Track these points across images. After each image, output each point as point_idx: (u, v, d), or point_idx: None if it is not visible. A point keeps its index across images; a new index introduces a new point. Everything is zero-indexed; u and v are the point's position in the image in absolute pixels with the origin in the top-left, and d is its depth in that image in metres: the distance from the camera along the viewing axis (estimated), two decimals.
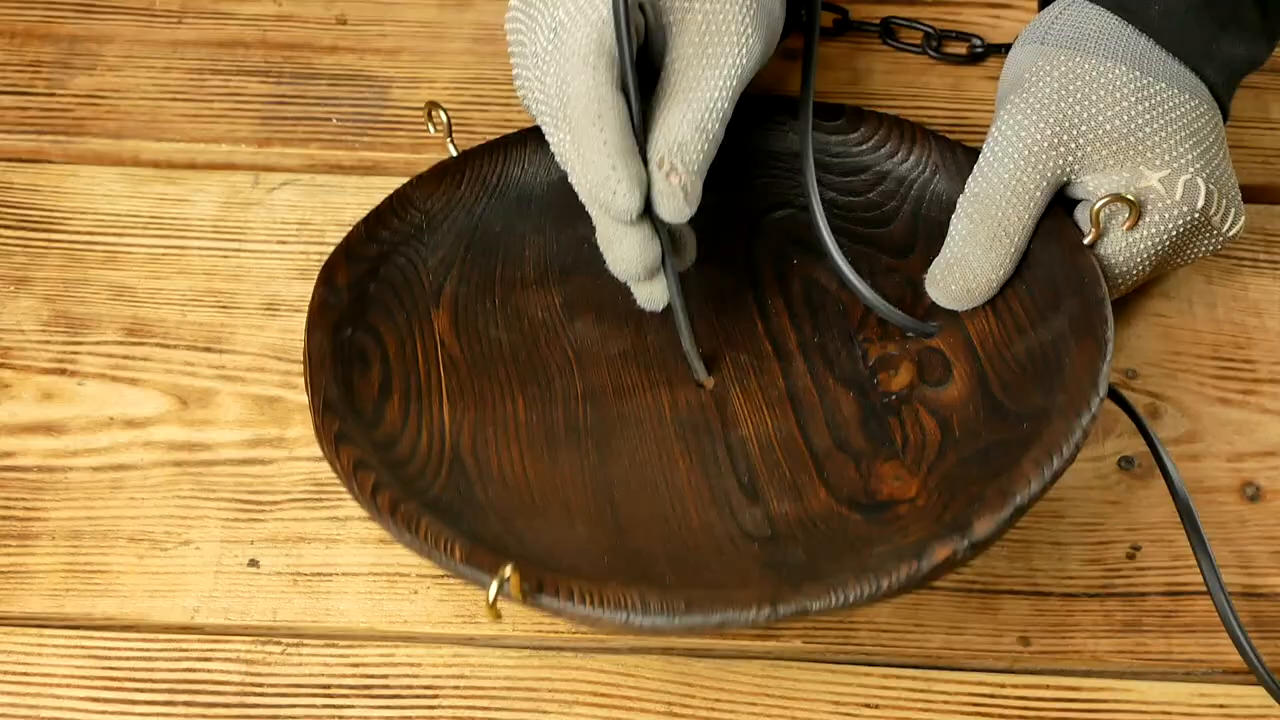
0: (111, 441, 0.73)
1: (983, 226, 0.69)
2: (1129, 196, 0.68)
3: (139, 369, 0.75)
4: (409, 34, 0.86)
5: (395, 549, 0.71)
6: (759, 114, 0.76)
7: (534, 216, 0.75)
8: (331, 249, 0.72)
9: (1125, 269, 0.70)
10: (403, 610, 0.69)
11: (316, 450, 0.73)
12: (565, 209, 0.73)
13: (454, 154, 0.75)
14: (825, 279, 0.73)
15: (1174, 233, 0.69)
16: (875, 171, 0.76)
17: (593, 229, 0.68)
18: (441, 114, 0.74)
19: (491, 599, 0.59)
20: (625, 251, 0.66)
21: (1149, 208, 0.68)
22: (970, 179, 0.70)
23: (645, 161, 0.65)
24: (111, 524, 0.71)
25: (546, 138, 0.68)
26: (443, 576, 0.70)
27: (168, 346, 0.76)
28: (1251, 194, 0.80)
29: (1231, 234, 0.70)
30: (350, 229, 0.73)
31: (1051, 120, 0.68)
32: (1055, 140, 0.68)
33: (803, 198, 0.73)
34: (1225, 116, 0.72)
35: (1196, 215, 0.69)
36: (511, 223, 0.74)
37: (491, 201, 0.74)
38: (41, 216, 0.79)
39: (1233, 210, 0.70)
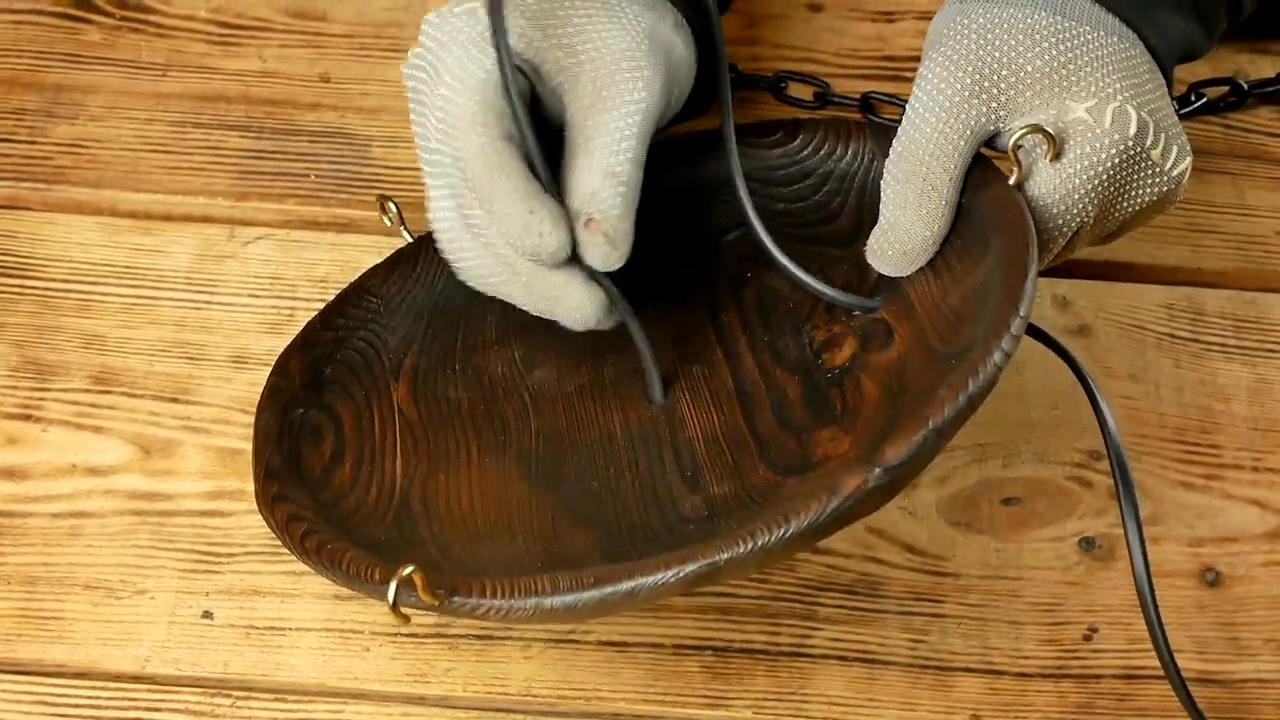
0: (73, 489, 0.73)
1: (909, 185, 0.67)
2: (1046, 128, 0.65)
3: (104, 417, 0.75)
4: (391, 94, 0.86)
5: (349, 605, 0.70)
6: (707, 144, 0.76)
7: None
8: (302, 304, 0.73)
9: (1063, 209, 0.67)
10: (354, 667, 0.69)
11: None
12: None
13: (409, 239, 0.75)
14: (778, 283, 0.73)
15: (1108, 164, 0.66)
16: (819, 174, 0.75)
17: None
18: (392, 205, 0.73)
19: (390, 599, 0.59)
20: (574, 302, 0.66)
21: (1077, 139, 0.66)
22: (895, 139, 0.68)
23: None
24: (68, 571, 0.71)
25: (446, 212, 0.68)
26: (395, 634, 0.70)
27: (134, 396, 0.76)
28: (1224, 280, 0.80)
29: (1176, 173, 0.68)
30: (310, 318, 0.74)
31: (971, 69, 0.67)
32: (976, 88, 0.67)
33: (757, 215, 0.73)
34: (1169, 86, 0.70)
35: (1130, 144, 0.66)
36: (472, 294, 0.71)
37: (451, 277, 0.71)
38: (16, 263, 0.80)
39: (1175, 147, 0.68)
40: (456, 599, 0.60)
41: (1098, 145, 0.65)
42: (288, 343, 0.73)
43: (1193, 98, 0.85)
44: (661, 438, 0.69)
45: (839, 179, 0.75)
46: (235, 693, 0.68)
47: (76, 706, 0.68)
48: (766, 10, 0.91)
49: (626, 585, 0.59)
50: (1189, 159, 0.68)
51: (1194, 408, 0.76)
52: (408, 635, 0.70)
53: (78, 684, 0.68)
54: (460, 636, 0.70)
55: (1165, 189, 0.68)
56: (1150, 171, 0.67)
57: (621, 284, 0.68)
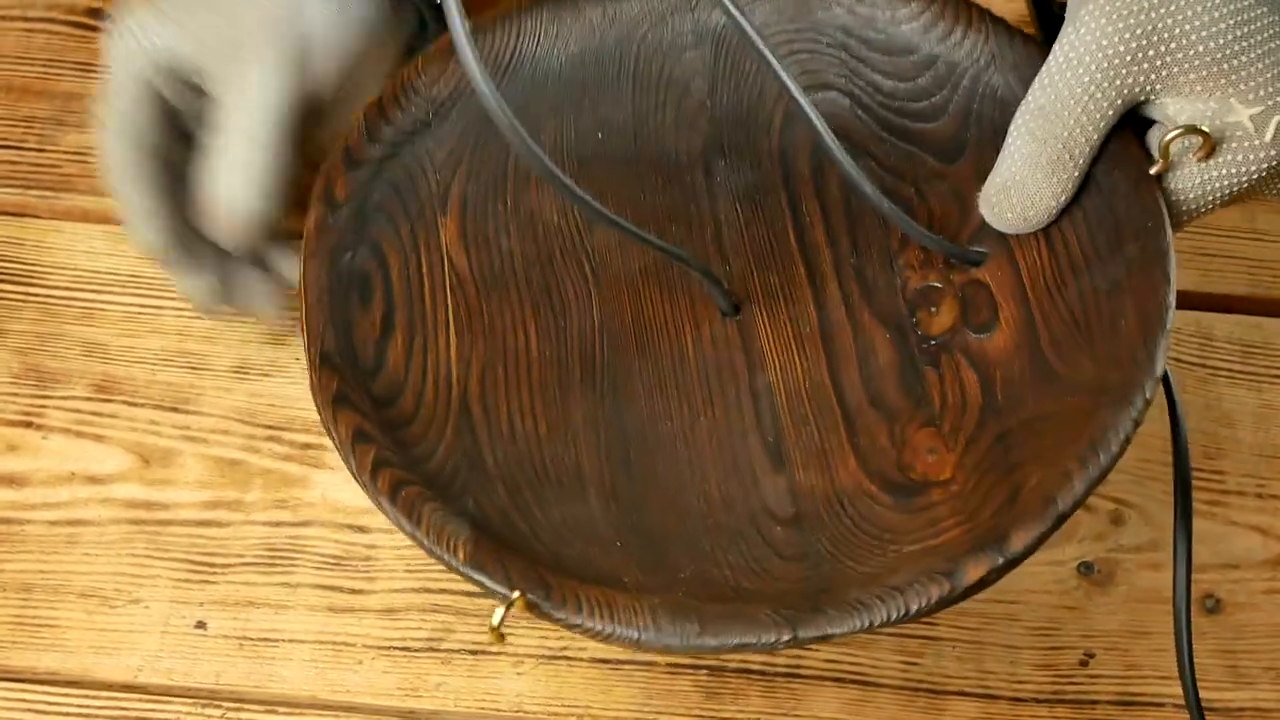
0: (71, 496, 0.73)
1: (1046, 147, 0.61)
2: (1204, 129, 0.60)
3: (105, 425, 0.75)
4: None
5: (343, 617, 0.70)
6: None
7: (550, 97, 0.68)
8: (304, 312, 0.71)
9: (1194, 205, 0.63)
10: (346, 680, 0.69)
11: (273, 515, 0.73)
12: (585, 87, 0.68)
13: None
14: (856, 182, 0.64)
15: (1255, 175, 0.62)
16: (925, 54, 0.67)
17: (613, 112, 0.66)
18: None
19: (496, 623, 0.55)
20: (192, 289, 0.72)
21: (1233, 145, 0.61)
22: (1034, 88, 0.61)
23: None
24: (63, 579, 0.71)
25: None
26: (388, 648, 0.70)
27: (135, 405, 0.76)
28: (1232, 304, 0.80)
29: None
30: (349, 128, 0.67)
31: (1138, 29, 0.60)
32: (1139, 53, 0.60)
33: (847, 79, 0.67)
34: None
35: None
36: (526, 105, 0.66)
37: (504, 82, 0.66)
38: (21, 270, 0.80)
39: None
40: (551, 608, 0.55)
41: (1253, 158, 0.62)
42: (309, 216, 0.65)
43: None
44: (738, 372, 0.63)
45: (948, 67, 0.67)
46: (226, 704, 0.68)
47: (67, 715, 0.68)
48: None
49: (735, 641, 0.55)
50: None
51: (1199, 433, 0.76)
52: (400, 649, 0.70)
53: (69, 692, 0.68)
54: (453, 651, 0.70)
55: None
56: None
57: (675, 151, 0.66)
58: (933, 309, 0.63)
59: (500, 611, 0.55)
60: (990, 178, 0.63)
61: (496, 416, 0.62)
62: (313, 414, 0.73)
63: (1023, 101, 0.61)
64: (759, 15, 0.68)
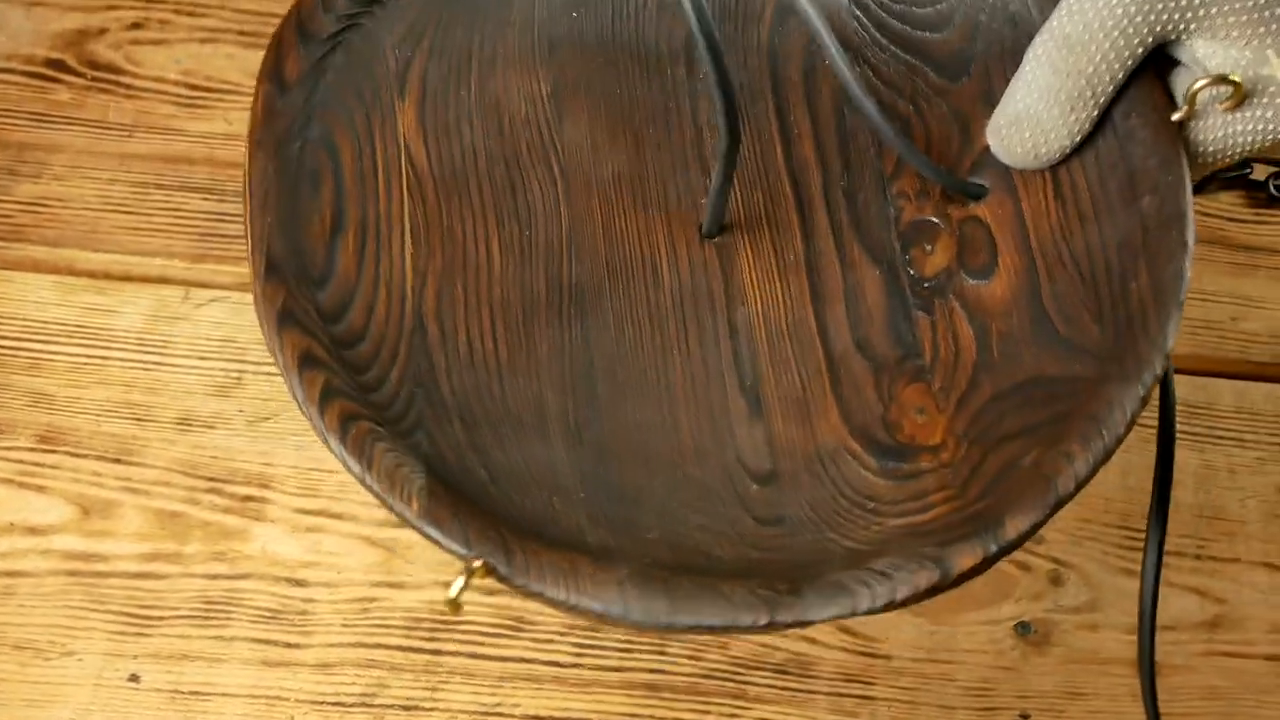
0: (10, 548, 0.73)
1: (1068, 80, 0.57)
2: (1236, 79, 0.56)
3: (47, 476, 0.75)
4: None
5: (276, 671, 0.70)
6: None
7: None
8: (250, 367, 0.68)
9: (1214, 156, 0.59)
10: None
11: (211, 567, 0.73)
12: None
13: None
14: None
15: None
16: None
17: None
18: None
19: (454, 595, 0.50)
20: None
21: (1264, 100, 0.57)
22: (1060, 12, 0.57)
23: None
24: None
25: None
26: (322, 702, 0.70)
27: (78, 455, 0.76)
28: (1177, 364, 0.80)
29: None
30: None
31: None
32: None
33: None
34: None
35: None
36: None
37: None
38: None
39: None
40: (513, 575, 0.50)
41: None
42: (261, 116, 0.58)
43: None
44: (716, 303, 0.58)
45: None
46: None
47: None
48: None
49: (707, 622, 0.50)
50: None
51: (1139, 493, 0.76)
52: (334, 704, 0.70)
53: None
54: (387, 707, 0.70)
55: None
56: None
57: (656, 40, 0.60)
58: (927, 246, 0.59)
59: (460, 582, 0.50)
60: (1001, 106, 0.58)
61: (454, 338, 0.57)
62: (255, 466, 0.74)
63: (1044, 26, 0.57)
64: None
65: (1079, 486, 0.51)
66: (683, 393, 0.56)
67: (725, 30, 0.63)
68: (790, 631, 0.71)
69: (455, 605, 0.50)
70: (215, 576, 0.73)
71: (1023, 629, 0.72)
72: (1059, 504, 0.51)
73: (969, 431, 0.55)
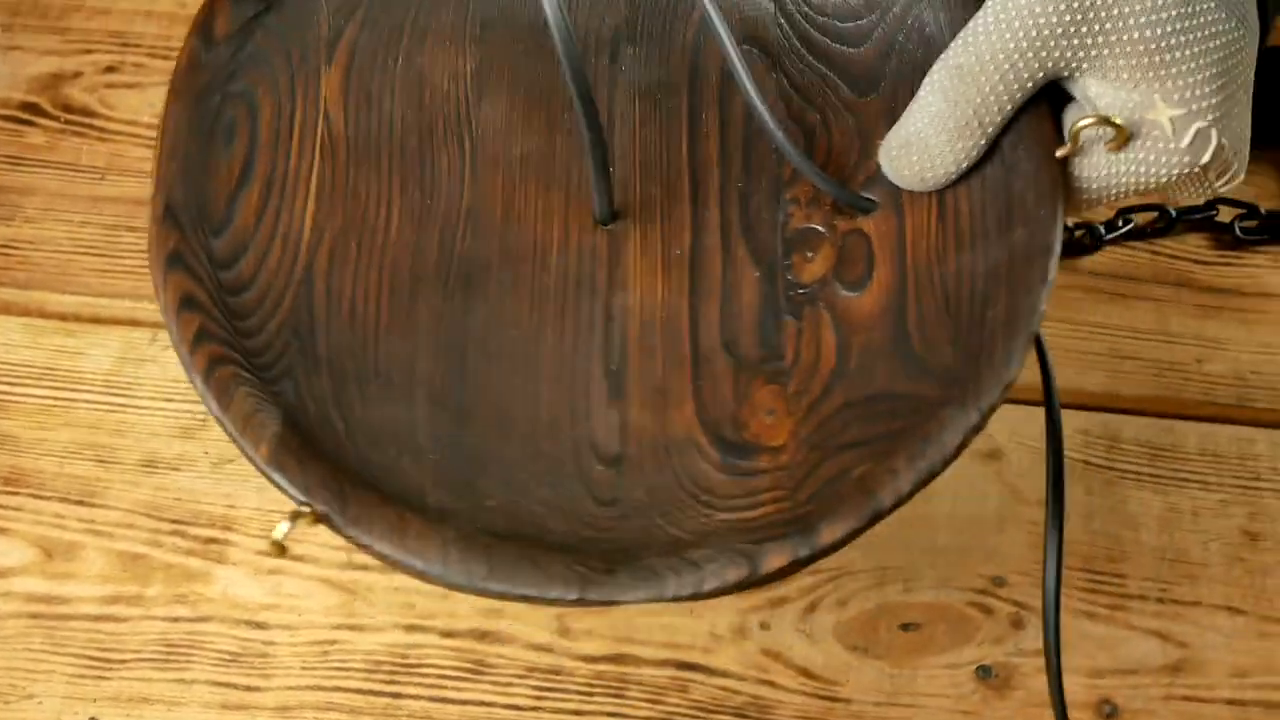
0: None
1: (956, 109, 0.58)
2: (1118, 121, 0.58)
3: (10, 519, 0.76)
4: None
5: (237, 715, 0.70)
6: None
7: None
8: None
9: (1097, 194, 0.60)
10: None
11: (173, 610, 0.73)
12: None
13: None
14: (771, 103, 0.63)
15: (1164, 178, 0.60)
16: None
17: None
18: None
19: (279, 537, 0.52)
20: None
21: (1146, 144, 0.59)
22: (956, 44, 0.58)
23: None
24: None
25: None
26: None
27: (41, 498, 0.76)
28: (1142, 406, 0.80)
29: (1222, 189, 0.61)
30: None
31: (1074, 2, 0.57)
32: (1072, 27, 0.57)
33: None
34: (1265, 34, 0.61)
35: (1196, 167, 0.59)
36: None
37: None
38: None
39: (1234, 164, 0.60)
40: (342, 523, 0.53)
41: (1164, 160, 0.59)
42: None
43: (1120, 223, 0.85)
44: (598, 288, 0.60)
45: None
46: None
47: None
48: None
49: (520, 590, 0.52)
50: (1242, 175, 0.61)
51: (1103, 535, 0.76)
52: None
53: None
54: None
55: (1205, 196, 0.62)
56: (1199, 184, 0.61)
57: (586, 29, 0.62)
58: (809, 254, 0.61)
59: (284, 525, 0.52)
60: (894, 129, 0.60)
61: (339, 295, 0.59)
62: (218, 509, 0.74)
63: (942, 55, 0.59)
64: None
65: (898, 503, 0.53)
66: (550, 370, 0.58)
67: (652, 25, 0.64)
68: (750, 674, 0.71)
69: (279, 548, 0.52)
70: (176, 619, 0.73)
71: (984, 672, 0.72)
72: (876, 516, 0.53)
73: (811, 437, 0.56)
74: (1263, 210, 0.86)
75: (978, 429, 0.54)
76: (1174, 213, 0.85)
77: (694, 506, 0.56)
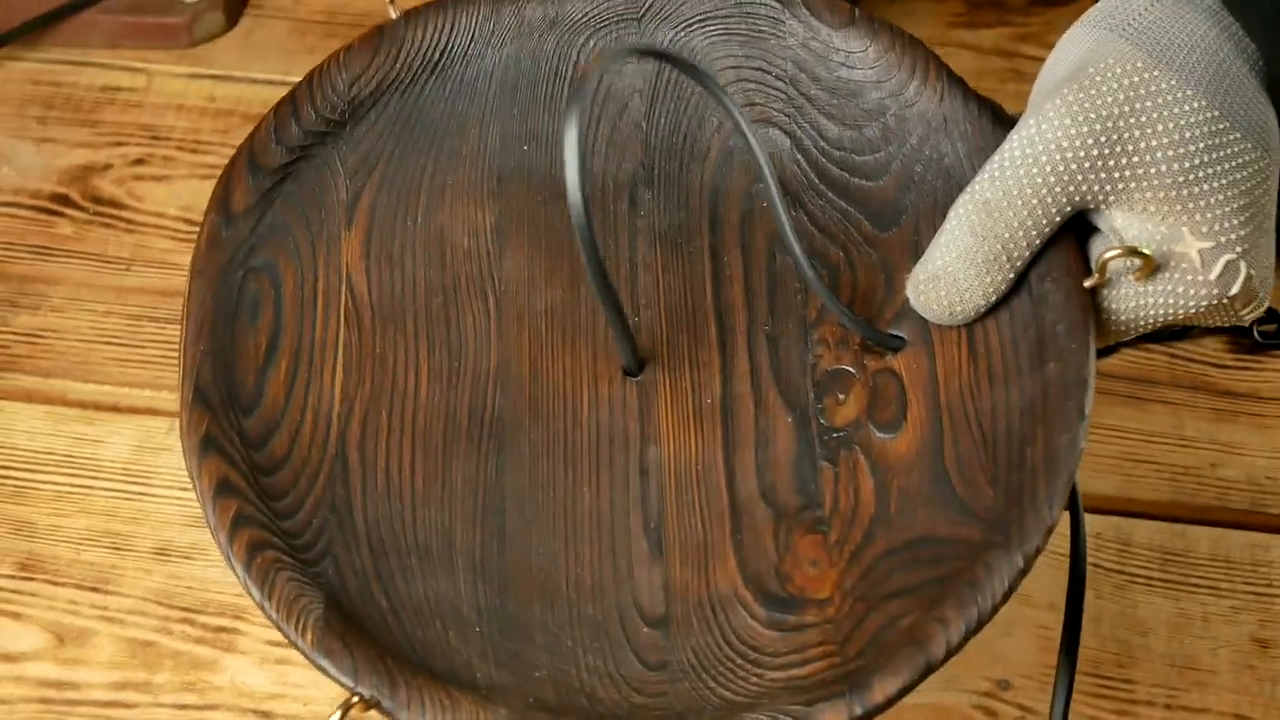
0: None
1: (984, 244, 0.58)
2: (1147, 252, 0.57)
3: (24, 604, 0.76)
4: None
5: None
6: (744, 8, 0.65)
7: (479, 100, 0.65)
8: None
9: (1126, 325, 0.60)
10: None
11: (180, 698, 0.73)
12: (516, 92, 0.65)
13: (393, 15, 0.64)
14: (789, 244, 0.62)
15: (1194, 309, 0.59)
16: (875, 102, 0.63)
17: (544, 123, 0.62)
18: None
19: None
20: None
21: (1175, 275, 0.58)
22: (983, 177, 0.58)
23: None
24: None
25: None
26: None
27: (56, 584, 0.77)
28: (1155, 510, 0.80)
29: (1248, 318, 0.61)
30: (254, 126, 0.63)
31: (1102, 136, 0.57)
32: (1099, 162, 0.57)
33: (791, 117, 0.63)
34: None
35: (1225, 299, 0.59)
36: (452, 106, 0.63)
37: (433, 79, 0.63)
38: None
39: (1260, 293, 0.60)
40: (399, 714, 0.52)
41: (1193, 292, 0.59)
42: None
43: None
44: (630, 443, 0.59)
45: (898, 122, 0.63)
46: None
47: None
48: None
49: None
50: (1266, 305, 0.61)
51: (1112, 640, 0.75)
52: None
53: None
54: None
55: (1228, 323, 0.62)
56: (1225, 314, 0.61)
57: (603, 174, 0.62)
58: (840, 396, 0.60)
59: (336, 716, 0.52)
60: (921, 263, 0.60)
61: (373, 467, 0.59)
62: (228, 597, 0.75)
63: (967, 188, 0.58)
64: (707, 35, 0.65)
65: (950, 654, 0.52)
66: (589, 530, 0.58)
67: (669, 168, 0.64)
68: None
69: None
70: (184, 707, 0.73)
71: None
72: (929, 669, 0.52)
73: (856, 587, 0.56)
74: None
75: (1024, 573, 0.53)
76: None
77: (743, 666, 0.55)
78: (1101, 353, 0.80)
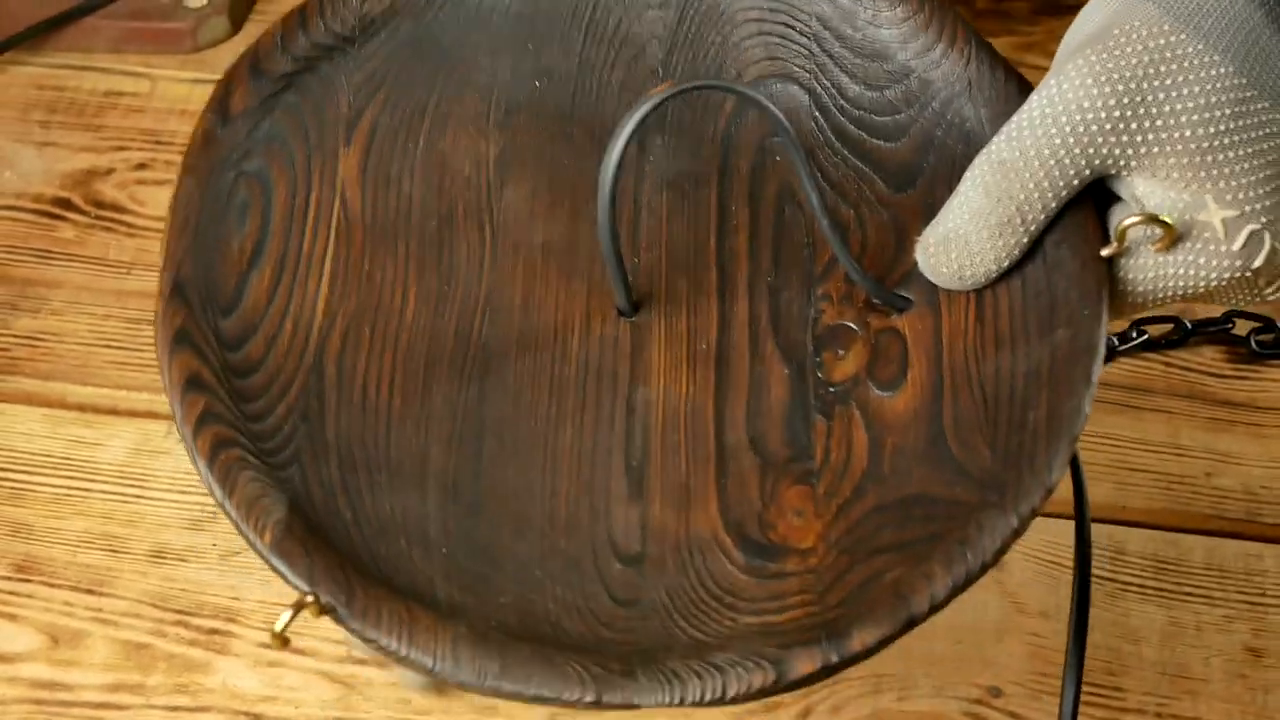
0: None
1: (999, 206, 0.56)
2: (1169, 221, 0.56)
3: (20, 605, 0.77)
4: None
5: None
6: None
7: (492, 33, 0.64)
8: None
9: (1144, 297, 0.59)
10: None
11: (173, 699, 0.74)
12: (533, 27, 0.64)
13: None
14: (803, 196, 0.61)
15: (1214, 282, 0.58)
16: (900, 64, 0.62)
17: (558, 61, 0.62)
18: None
19: (279, 629, 0.51)
20: None
21: (1197, 245, 0.57)
22: (1000, 137, 0.56)
23: None
24: None
25: None
26: None
27: (52, 585, 0.77)
28: (1149, 519, 0.80)
29: (1272, 297, 0.59)
30: (261, 34, 0.62)
31: (1125, 95, 0.55)
32: (1121, 124, 0.55)
33: (812, 74, 0.62)
34: None
35: (1248, 271, 0.57)
36: (464, 34, 0.62)
37: (448, 5, 0.62)
38: None
39: None
40: (345, 615, 0.51)
41: (1215, 263, 0.57)
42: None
43: (1134, 334, 0.85)
44: (619, 380, 0.58)
45: (921, 85, 0.62)
46: None
47: None
48: None
49: (533, 691, 0.50)
50: None
51: (1103, 648, 0.75)
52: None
53: None
54: None
55: (1254, 302, 0.60)
56: (1249, 290, 0.59)
57: (614, 117, 0.61)
58: (840, 352, 0.59)
59: (286, 615, 0.51)
60: (933, 225, 0.58)
61: (350, 380, 0.58)
62: (223, 600, 0.75)
63: (984, 149, 0.57)
64: None
65: (934, 609, 0.52)
66: (568, 464, 0.57)
67: (683, 116, 0.64)
68: None
69: (281, 640, 0.51)
70: (175, 709, 0.73)
71: None
72: (911, 622, 0.51)
73: (842, 540, 0.55)
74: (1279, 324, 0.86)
75: (1018, 533, 0.53)
76: (1189, 325, 0.85)
77: (717, 609, 0.54)
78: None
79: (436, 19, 0.64)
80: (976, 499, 0.54)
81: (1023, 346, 0.57)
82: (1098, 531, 0.79)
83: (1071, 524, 0.78)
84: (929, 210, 0.59)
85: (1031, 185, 0.56)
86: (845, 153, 0.63)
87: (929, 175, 0.61)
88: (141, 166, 0.93)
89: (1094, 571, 0.78)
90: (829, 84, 0.63)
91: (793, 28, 0.64)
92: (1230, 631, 0.76)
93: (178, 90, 0.96)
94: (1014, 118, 0.56)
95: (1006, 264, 0.58)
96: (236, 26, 1.00)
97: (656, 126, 0.63)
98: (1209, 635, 0.76)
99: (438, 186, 0.61)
